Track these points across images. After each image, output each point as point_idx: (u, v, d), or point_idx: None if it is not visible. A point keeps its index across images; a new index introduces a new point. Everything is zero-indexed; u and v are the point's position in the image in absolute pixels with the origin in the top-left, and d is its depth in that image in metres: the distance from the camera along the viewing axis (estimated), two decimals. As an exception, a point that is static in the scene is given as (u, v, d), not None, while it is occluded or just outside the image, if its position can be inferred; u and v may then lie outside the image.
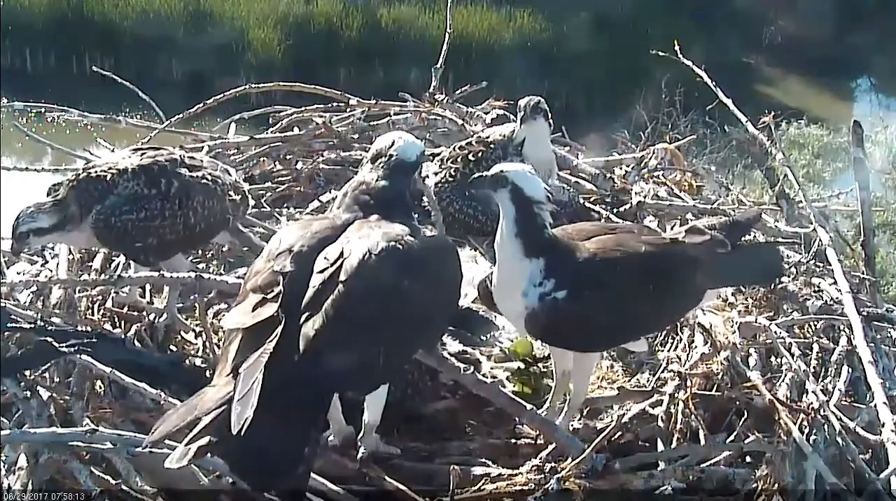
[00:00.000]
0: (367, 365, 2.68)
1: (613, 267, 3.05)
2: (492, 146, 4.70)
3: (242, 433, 2.27)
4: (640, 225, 4.13)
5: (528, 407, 3.19)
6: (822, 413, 3.24)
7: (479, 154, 4.68)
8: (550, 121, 4.66)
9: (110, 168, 3.79)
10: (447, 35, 6.92)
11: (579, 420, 3.39)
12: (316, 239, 2.78)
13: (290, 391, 2.43)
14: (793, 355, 3.59)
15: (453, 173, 4.69)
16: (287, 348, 2.47)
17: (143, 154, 3.92)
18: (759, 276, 3.67)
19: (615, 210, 5.03)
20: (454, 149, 4.90)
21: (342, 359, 2.58)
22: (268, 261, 2.73)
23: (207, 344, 3.66)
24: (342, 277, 2.62)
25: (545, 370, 3.73)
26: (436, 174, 4.83)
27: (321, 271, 2.65)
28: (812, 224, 4.35)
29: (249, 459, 2.36)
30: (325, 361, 2.54)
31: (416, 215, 3.09)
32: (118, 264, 4.24)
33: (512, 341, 3.90)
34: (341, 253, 2.68)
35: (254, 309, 2.58)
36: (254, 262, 2.84)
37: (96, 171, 3.77)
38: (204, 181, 3.92)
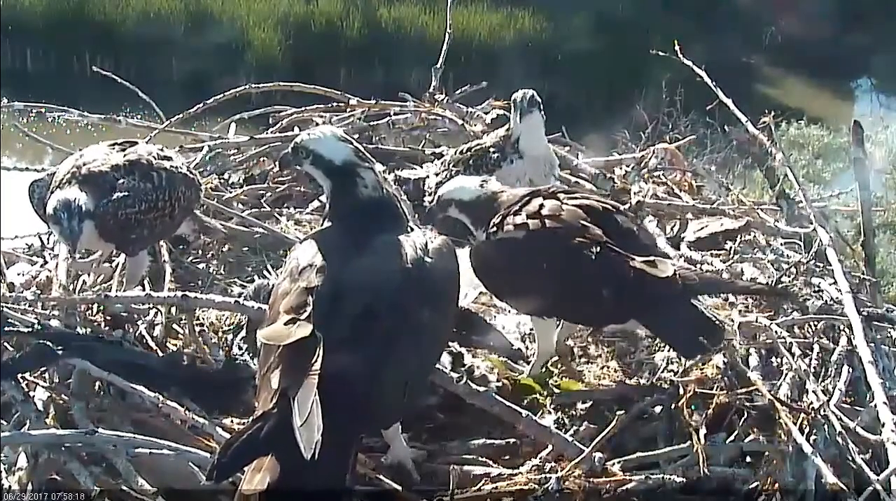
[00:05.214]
0: (413, 389, 2.80)
1: (525, 236, 3.40)
2: (491, 150, 4.74)
3: (316, 456, 2.25)
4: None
5: (525, 413, 3.19)
6: (822, 413, 3.24)
7: (480, 159, 4.73)
8: (543, 113, 4.69)
9: (103, 163, 3.85)
10: (447, 35, 6.93)
11: (579, 419, 3.39)
12: (335, 253, 2.77)
13: (349, 419, 2.44)
14: (793, 355, 3.58)
15: (454, 175, 4.71)
16: (331, 370, 2.44)
17: (122, 149, 4.00)
18: (685, 343, 3.30)
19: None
20: (456, 152, 4.93)
21: (394, 385, 2.64)
22: (293, 282, 2.71)
23: (203, 342, 3.67)
24: (381, 308, 2.62)
25: (544, 370, 3.73)
26: (437, 175, 4.86)
27: (352, 297, 2.63)
28: (812, 224, 4.35)
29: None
30: (379, 389, 2.59)
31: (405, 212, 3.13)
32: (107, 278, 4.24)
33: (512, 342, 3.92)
34: (369, 279, 2.68)
35: (286, 324, 2.57)
36: (278, 284, 2.83)
37: (92, 168, 3.82)
38: (181, 172, 4.07)
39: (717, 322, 3.26)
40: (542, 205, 3.47)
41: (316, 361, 2.44)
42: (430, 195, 4.79)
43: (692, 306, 3.26)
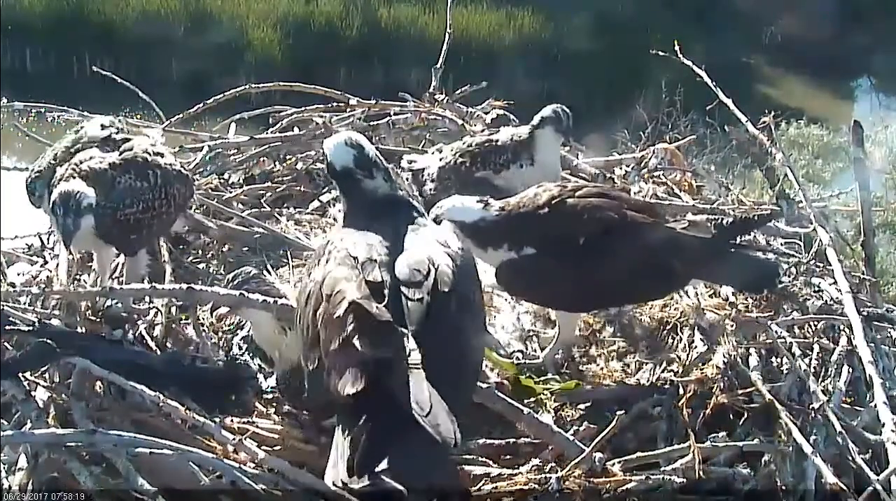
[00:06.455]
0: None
1: (572, 231, 3.49)
2: (502, 148, 4.73)
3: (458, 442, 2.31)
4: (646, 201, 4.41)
5: (526, 410, 3.19)
6: (822, 413, 3.24)
7: (490, 154, 4.72)
8: None
9: (101, 161, 3.81)
10: (447, 35, 6.93)
11: (579, 419, 3.39)
12: (384, 247, 2.75)
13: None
14: (793, 355, 3.59)
15: (457, 164, 4.73)
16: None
17: (119, 146, 3.96)
18: (749, 284, 3.79)
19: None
20: (464, 144, 4.91)
21: (473, 367, 2.79)
22: (352, 269, 2.66)
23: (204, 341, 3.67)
24: (447, 288, 2.63)
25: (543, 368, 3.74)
26: (441, 160, 4.85)
27: (416, 283, 2.61)
28: (812, 224, 4.35)
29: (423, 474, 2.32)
30: (463, 373, 2.68)
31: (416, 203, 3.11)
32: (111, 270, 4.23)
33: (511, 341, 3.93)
34: (429, 265, 2.67)
35: (362, 290, 2.56)
36: (327, 268, 2.72)
37: (91, 165, 3.78)
38: (175, 169, 4.02)
39: (769, 260, 3.95)
40: (574, 205, 3.54)
41: (412, 354, 2.42)
42: (431, 182, 4.79)
43: (742, 254, 3.69)
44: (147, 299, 4.01)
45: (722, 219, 3.72)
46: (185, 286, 3.53)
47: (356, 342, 2.46)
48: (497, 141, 4.80)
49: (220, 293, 3.48)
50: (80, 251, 4.33)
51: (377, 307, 2.52)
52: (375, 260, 2.68)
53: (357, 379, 2.41)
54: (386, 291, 2.60)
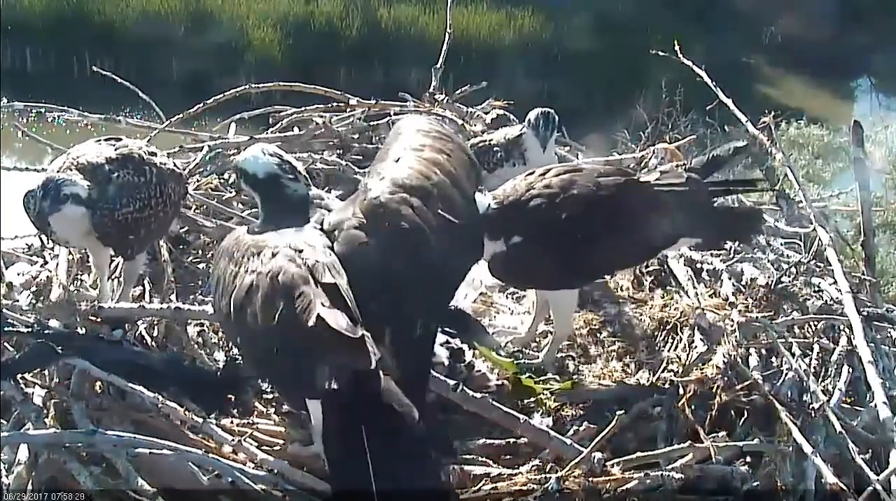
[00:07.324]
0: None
1: (552, 212, 3.49)
2: (495, 148, 4.77)
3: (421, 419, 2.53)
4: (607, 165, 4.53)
5: (522, 418, 3.19)
6: (822, 413, 3.24)
7: (484, 153, 4.78)
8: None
9: (97, 156, 3.75)
10: (447, 35, 6.94)
11: (579, 419, 3.39)
12: (317, 249, 2.83)
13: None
14: (793, 355, 3.59)
15: None
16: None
17: (111, 144, 3.90)
18: (733, 232, 3.87)
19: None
20: None
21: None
22: (302, 267, 2.71)
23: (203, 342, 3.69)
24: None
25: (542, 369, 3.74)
26: None
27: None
28: (812, 224, 4.35)
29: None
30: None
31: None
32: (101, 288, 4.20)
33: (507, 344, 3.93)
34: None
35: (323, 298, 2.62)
36: (276, 262, 2.76)
37: (88, 159, 3.73)
38: (170, 168, 3.96)
39: (752, 207, 4.09)
40: (548, 184, 3.56)
41: (379, 359, 2.56)
42: None
43: (722, 202, 3.80)
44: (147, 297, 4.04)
45: (691, 160, 3.75)
46: (173, 306, 3.61)
47: (328, 360, 2.56)
48: (490, 141, 4.88)
49: (209, 312, 3.53)
50: (81, 251, 4.33)
51: (348, 325, 2.53)
52: (321, 261, 2.75)
53: (333, 408, 2.59)
54: (343, 293, 2.66)
